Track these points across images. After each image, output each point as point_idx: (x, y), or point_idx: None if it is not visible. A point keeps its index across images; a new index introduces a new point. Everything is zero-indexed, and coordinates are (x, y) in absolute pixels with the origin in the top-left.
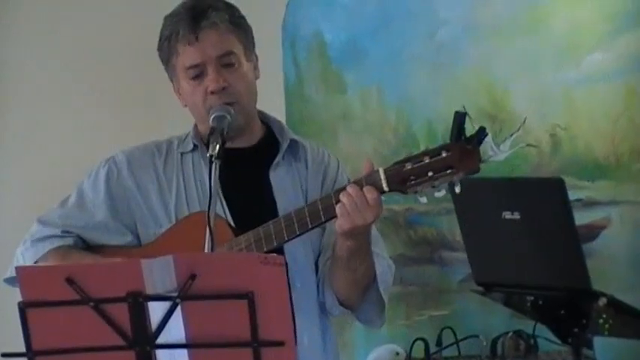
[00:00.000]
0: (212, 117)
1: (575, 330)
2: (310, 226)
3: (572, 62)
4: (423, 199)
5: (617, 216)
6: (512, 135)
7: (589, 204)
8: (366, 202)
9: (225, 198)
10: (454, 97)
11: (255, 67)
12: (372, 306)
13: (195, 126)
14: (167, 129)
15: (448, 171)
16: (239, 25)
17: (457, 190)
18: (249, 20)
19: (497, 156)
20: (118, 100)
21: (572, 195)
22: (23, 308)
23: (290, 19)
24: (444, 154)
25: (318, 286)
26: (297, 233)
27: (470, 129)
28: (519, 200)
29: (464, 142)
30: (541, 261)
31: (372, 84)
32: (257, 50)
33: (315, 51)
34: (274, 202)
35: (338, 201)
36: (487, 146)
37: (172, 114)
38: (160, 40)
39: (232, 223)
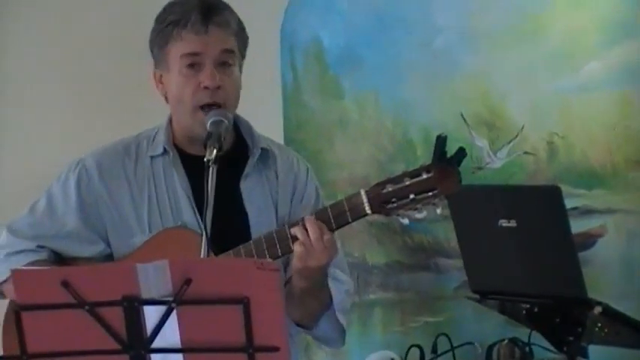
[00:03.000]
0: (209, 122)
1: (571, 338)
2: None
3: (569, 71)
4: (405, 221)
5: (613, 224)
6: (509, 142)
7: (585, 212)
8: (323, 246)
9: (197, 209)
10: (451, 104)
11: (240, 78)
12: (330, 330)
13: (169, 125)
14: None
15: (430, 193)
16: (243, 30)
17: (438, 211)
18: (248, 25)
19: (494, 163)
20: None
21: (569, 203)
22: (18, 311)
23: (288, 24)
24: (424, 176)
25: None
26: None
27: (467, 136)
28: (516, 208)
29: (444, 163)
30: (537, 269)
31: (369, 90)
32: (255, 55)
33: (312, 57)
34: (246, 214)
35: (293, 235)
36: (484, 153)
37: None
38: (161, 23)
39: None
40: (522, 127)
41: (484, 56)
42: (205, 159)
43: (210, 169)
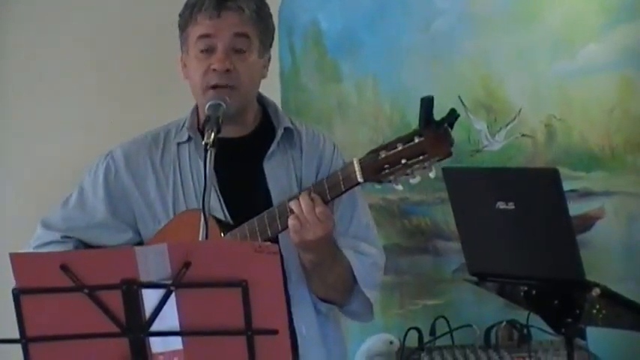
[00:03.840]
0: (207, 105)
1: (569, 320)
2: (270, 235)
3: (567, 53)
4: (399, 187)
5: (612, 207)
6: (507, 125)
7: (584, 195)
8: (316, 218)
9: (220, 191)
10: (449, 88)
11: (265, 67)
12: (358, 305)
13: (195, 112)
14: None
15: (421, 157)
16: (264, 19)
17: (432, 175)
18: None
19: (492, 146)
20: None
21: (567, 185)
22: (18, 295)
23: (286, 7)
24: (416, 140)
25: None
26: (269, 235)
27: (465, 119)
28: (514, 190)
29: (435, 127)
30: (535, 251)
31: (368, 74)
32: None
33: (311, 40)
34: (269, 194)
35: (290, 209)
36: (482, 136)
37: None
38: (185, 5)
39: (229, 217)
40: (520, 110)
41: (483, 39)
42: (203, 142)
43: (208, 152)
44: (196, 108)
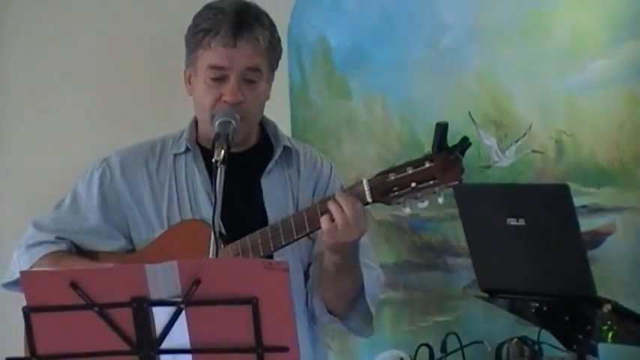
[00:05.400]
0: (217, 122)
1: (580, 336)
2: (296, 237)
3: (576, 68)
4: (407, 210)
5: (622, 222)
6: (517, 141)
7: (594, 210)
8: (356, 216)
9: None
10: (458, 103)
11: (270, 88)
12: (360, 316)
13: (193, 125)
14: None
15: (431, 182)
16: (275, 47)
17: (440, 200)
18: None
19: (502, 162)
20: (123, 106)
21: (577, 201)
22: (27, 313)
23: (295, 25)
24: (427, 165)
25: (307, 295)
26: (283, 244)
27: (475, 135)
28: (524, 206)
29: (446, 153)
30: (546, 267)
31: (377, 90)
32: None
33: (319, 56)
34: (264, 210)
35: (323, 212)
36: (492, 152)
37: (177, 118)
38: (195, 27)
39: (223, 229)
40: (530, 126)
41: (491, 54)
42: (213, 160)
43: (219, 169)
44: (195, 121)
